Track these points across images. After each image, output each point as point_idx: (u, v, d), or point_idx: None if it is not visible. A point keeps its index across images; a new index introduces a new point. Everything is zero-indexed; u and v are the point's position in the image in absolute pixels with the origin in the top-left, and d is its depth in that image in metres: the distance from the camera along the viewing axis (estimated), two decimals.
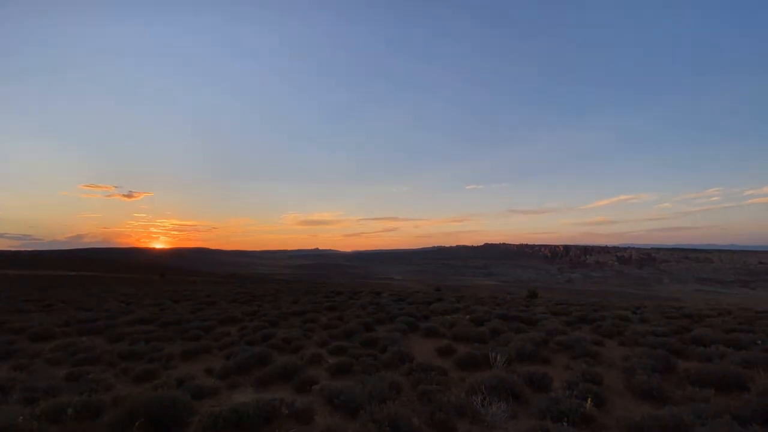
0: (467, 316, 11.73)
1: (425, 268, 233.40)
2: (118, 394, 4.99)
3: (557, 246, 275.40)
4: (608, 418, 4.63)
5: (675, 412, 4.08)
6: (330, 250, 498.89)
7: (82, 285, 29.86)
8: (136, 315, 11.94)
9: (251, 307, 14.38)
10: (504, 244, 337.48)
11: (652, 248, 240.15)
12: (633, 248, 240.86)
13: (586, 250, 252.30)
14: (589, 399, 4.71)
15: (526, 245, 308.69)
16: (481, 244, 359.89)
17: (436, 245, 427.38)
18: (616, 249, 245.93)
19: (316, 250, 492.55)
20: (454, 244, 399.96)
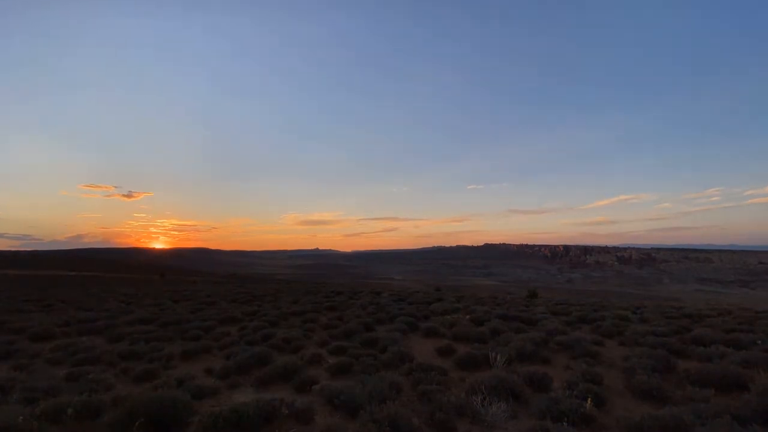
0: (467, 316, 11.73)
1: (425, 268, 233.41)
2: (118, 394, 4.99)
3: (557, 246, 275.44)
4: (608, 418, 4.63)
5: (675, 412, 4.08)
6: (330, 250, 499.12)
7: (82, 285, 29.86)
8: (136, 315, 11.94)
9: (251, 307, 14.38)
10: (504, 244, 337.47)
11: (652, 248, 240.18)
12: (633, 248, 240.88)
13: (586, 250, 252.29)
14: (589, 399, 4.71)
15: (526, 245, 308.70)
16: (481, 244, 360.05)
17: (436, 245, 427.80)
18: (616, 249, 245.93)
19: (316, 250, 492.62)
20: (454, 244, 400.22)
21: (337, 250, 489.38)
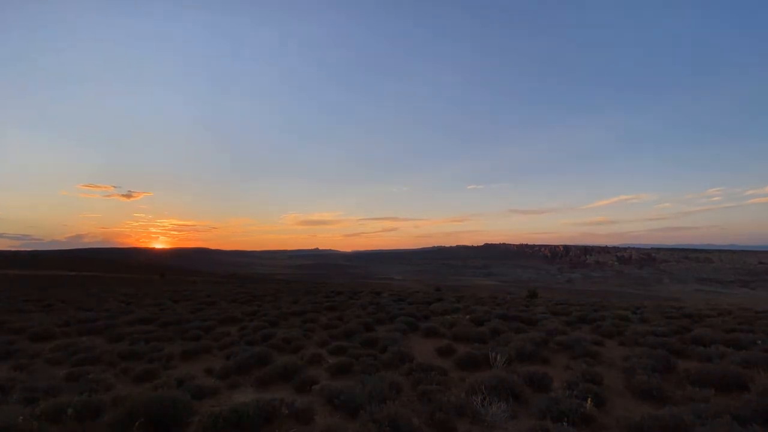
0: (467, 316, 11.73)
1: (425, 268, 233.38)
2: (118, 394, 4.99)
3: (557, 246, 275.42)
4: (608, 418, 4.63)
5: (675, 412, 4.08)
6: (330, 250, 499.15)
7: (82, 285, 29.86)
8: (136, 315, 11.93)
9: (251, 307, 14.38)
10: (504, 244, 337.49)
11: (652, 248, 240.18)
12: (633, 248, 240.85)
13: (586, 250, 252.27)
14: (589, 399, 4.71)
15: (526, 245, 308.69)
16: (481, 244, 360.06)
17: (436, 245, 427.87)
18: (616, 249, 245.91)
19: (316, 250, 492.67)
20: (454, 244, 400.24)
21: (337, 250, 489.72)
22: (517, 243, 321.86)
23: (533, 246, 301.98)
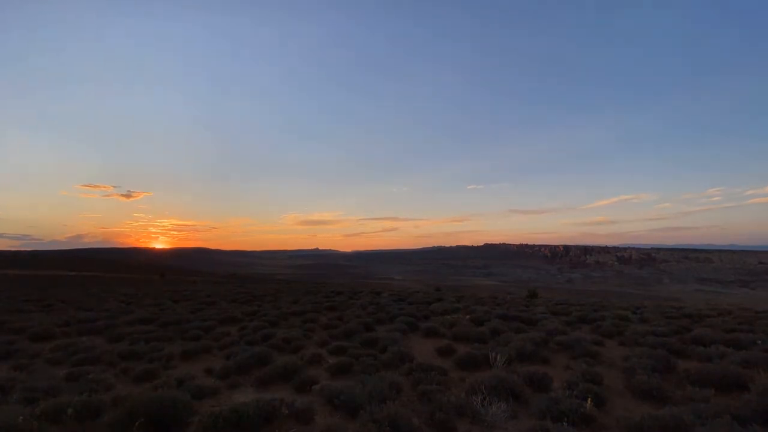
0: (467, 316, 11.73)
1: (425, 268, 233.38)
2: (118, 394, 4.99)
3: (557, 246, 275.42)
4: (608, 418, 4.63)
5: (675, 412, 4.08)
6: (330, 250, 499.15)
7: (82, 285, 29.86)
8: (136, 315, 11.93)
9: (251, 307, 14.38)
10: (504, 244, 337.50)
11: (652, 248, 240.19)
12: (633, 248, 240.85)
13: (586, 250, 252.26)
14: (589, 399, 4.71)
15: (526, 245, 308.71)
16: (481, 244, 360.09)
17: (436, 245, 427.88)
18: (616, 249, 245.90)
19: (316, 250, 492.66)
20: (454, 244, 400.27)
21: (337, 250, 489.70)
22: (517, 243, 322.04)
23: (533, 246, 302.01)
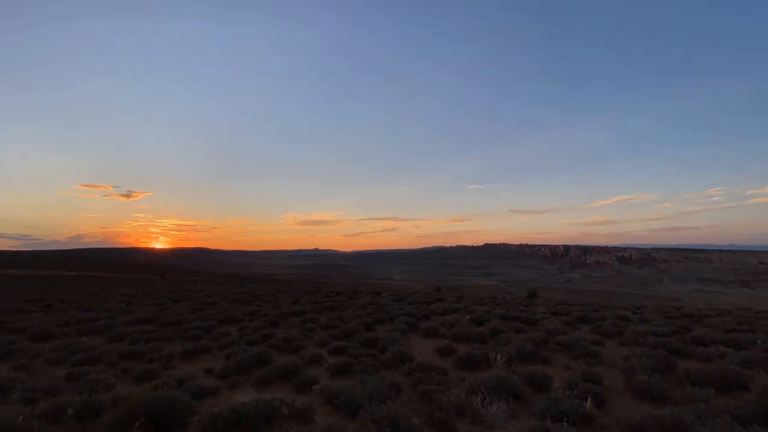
0: (467, 316, 11.73)
1: (425, 268, 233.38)
2: (118, 394, 4.99)
3: (557, 246, 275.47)
4: (608, 418, 4.63)
5: (675, 412, 4.08)
6: (330, 250, 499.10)
7: (82, 285, 29.86)
8: (136, 315, 11.93)
9: (251, 307, 14.38)
10: (504, 244, 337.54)
11: (652, 248, 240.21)
12: (633, 248, 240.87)
13: (586, 250, 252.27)
14: (589, 399, 4.71)
15: (526, 245, 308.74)
16: (481, 244, 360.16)
17: (436, 245, 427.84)
18: (616, 249, 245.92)
19: (316, 250, 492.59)
20: (454, 244, 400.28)
21: (337, 250, 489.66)
22: (517, 243, 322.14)
23: (533, 246, 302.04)
